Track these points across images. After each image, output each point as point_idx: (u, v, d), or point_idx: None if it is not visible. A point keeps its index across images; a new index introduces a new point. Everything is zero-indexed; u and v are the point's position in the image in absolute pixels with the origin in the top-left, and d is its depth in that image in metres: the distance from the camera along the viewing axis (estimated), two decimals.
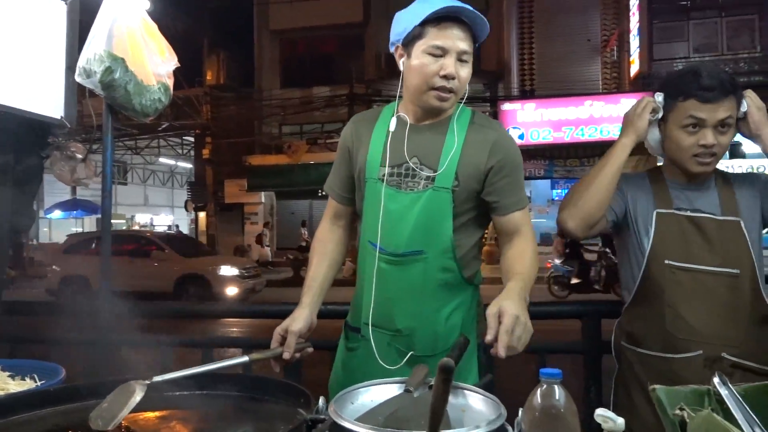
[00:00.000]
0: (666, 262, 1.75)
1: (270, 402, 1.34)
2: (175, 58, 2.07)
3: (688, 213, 1.78)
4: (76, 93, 2.17)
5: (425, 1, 1.64)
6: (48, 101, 2.10)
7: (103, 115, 2.05)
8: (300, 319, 1.71)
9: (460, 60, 1.64)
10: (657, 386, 0.80)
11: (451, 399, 1.05)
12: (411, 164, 1.70)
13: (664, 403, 0.78)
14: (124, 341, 2.35)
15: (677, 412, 0.75)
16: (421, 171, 1.69)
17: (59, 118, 2.11)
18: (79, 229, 29.53)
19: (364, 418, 1.10)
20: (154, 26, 2.04)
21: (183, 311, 2.66)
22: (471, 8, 1.61)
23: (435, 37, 1.62)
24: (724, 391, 0.87)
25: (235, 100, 21.34)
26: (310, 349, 1.74)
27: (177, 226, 33.49)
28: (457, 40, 1.62)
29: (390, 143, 1.74)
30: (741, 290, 1.71)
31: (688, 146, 1.75)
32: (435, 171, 1.67)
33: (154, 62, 1.98)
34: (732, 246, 1.73)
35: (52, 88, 2.12)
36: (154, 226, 36.81)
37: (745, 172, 2.03)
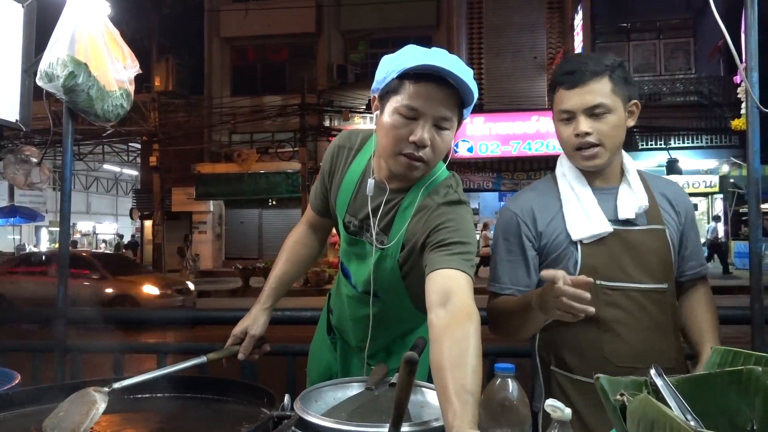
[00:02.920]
0: (599, 283, 1.56)
1: (233, 403, 1.37)
2: (137, 65, 2.08)
3: (608, 227, 1.60)
4: (31, 96, 2.15)
5: (410, 51, 1.45)
6: (3, 104, 2.07)
7: (63, 119, 2.04)
8: (260, 324, 1.74)
9: (437, 126, 1.42)
10: (600, 375, 0.88)
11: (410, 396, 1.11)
12: (371, 222, 1.59)
13: (607, 390, 0.86)
14: (78, 347, 2.33)
15: (618, 397, 0.84)
16: (376, 233, 1.60)
17: (14, 121, 2.09)
18: (17, 237, 28.38)
19: (329, 415, 1.15)
20: (116, 32, 2.04)
21: (135, 318, 2.64)
22: (459, 70, 1.39)
23: (410, 96, 1.40)
24: (659, 382, 0.96)
25: (184, 107, 20.98)
26: (268, 347, 1.77)
27: (121, 236, 32.57)
28: (435, 103, 1.40)
29: (357, 193, 1.64)
30: (667, 305, 1.64)
31: (567, 138, 1.63)
32: (386, 240, 1.58)
33: (115, 68, 1.98)
34: (659, 258, 1.62)
35: (7, 90, 2.09)
36: (97, 234, 35.73)
37: (663, 177, 1.86)
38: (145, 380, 1.36)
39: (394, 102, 1.42)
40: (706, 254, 16.21)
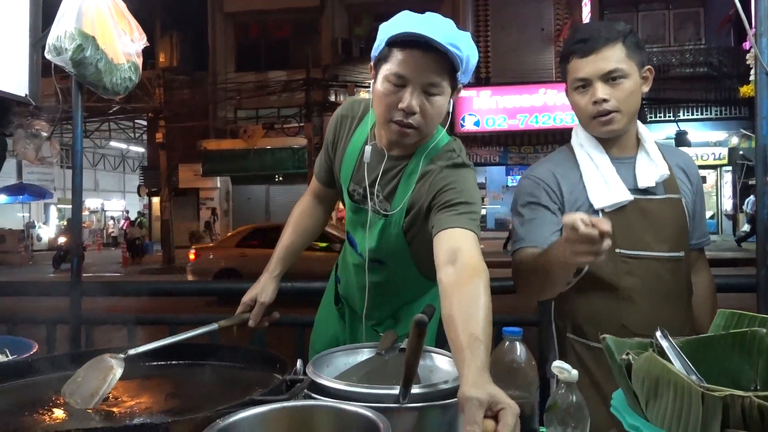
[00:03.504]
0: (617, 251, 1.59)
1: (246, 369, 1.40)
2: (144, 38, 2.08)
3: (628, 196, 1.61)
4: (40, 71, 2.16)
5: (401, 17, 1.47)
6: (11, 78, 2.08)
7: (72, 92, 2.05)
8: (269, 291, 1.77)
9: (426, 92, 1.43)
10: (606, 335, 0.90)
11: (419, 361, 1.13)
12: (375, 190, 1.62)
13: (613, 350, 0.88)
14: (92, 320, 2.37)
15: (624, 357, 0.86)
16: (380, 200, 1.63)
17: (23, 95, 2.10)
18: (26, 215, 28.56)
19: (340, 379, 1.18)
20: (123, 5, 2.04)
21: (145, 289, 2.68)
22: (447, 35, 1.38)
23: (398, 64, 1.41)
24: (664, 343, 0.98)
25: (188, 84, 20.92)
26: (277, 315, 1.80)
27: (127, 212, 32.73)
28: (422, 69, 1.41)
29: (360, 161, 1.66)
30: (682, 273, 1.66)
31: (583, 107, 1.63)
32: (389, 207, 1.60)
33: (123, 41, 1.98)
34: (675, 227, 1.64)
35: (15, 65, 2.10)
36: (105, 211, 35.92)
37: (676, 148, 1.87)
38: (159, 347, 1.39)
39: (385, 70, 1.44)
40: (748, 229, 15.86)
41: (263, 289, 1.77)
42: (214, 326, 1.58)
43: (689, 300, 1.71)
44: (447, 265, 1.31)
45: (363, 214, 1.67)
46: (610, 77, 1.57)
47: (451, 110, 1.55)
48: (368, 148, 1.60)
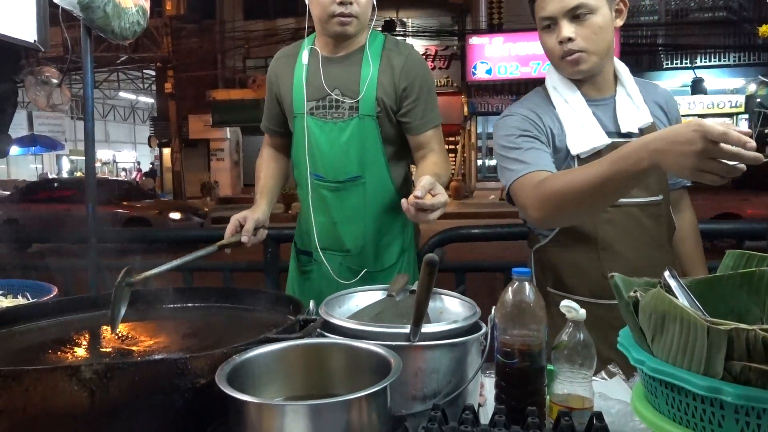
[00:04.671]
0: None
1: (260, 311, 1.43)
2: None
3: (606, 140, 1.54)
4: (47, 16, 2.14)
5: None
6: (20, 24, 2.07)
7: (81, 37, 2.04)
8: (258, 211, 1.82)
9: None
10: (615, 273, 0.91)
11: (429, 302, 1.15)
12: (333, 95, 1.77)
13: (621, 288, 0.89)
14: (106, 266, 2.42)
15: (631, 294, 0.87)
16: (344, 101, 1.76)
17: (32, 41, 2.09)
18: (39, 166, 28.74)
19: (352, 318, 1.21)
20: None
21: (158, 237, 2.72)
22: None
23: None
24: (672, 282, 0.98)
25: (196, 32, 20.64)
26: (266, 232, 1.86)
27: (138, 163, 32.84)
28: None
29: (309, 77, 1.80)
30: (663, 217, 1.61)
31: (551, 48, 1.56)
32: (357, 99, 1.74)
33: None
34: None
35: (23, 11, 2.08)
36: (117, 162, 36.07)
37: (651, 83, 1.75)
38: (168, 269, 1.44)
39: None
40: None
41: (253, 209, 1.83)
42: (213, 248, 1.64)
43: (670, 241, 1.67)
44: (422, 157, 1.82)
45: (329, 128, 1.76)
46: (576, 14, 1.48)
47: (375, 2, 1.79)
48: (305, 53, 1.82)
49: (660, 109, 1.66)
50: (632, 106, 1.58)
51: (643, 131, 1.56)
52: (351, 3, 1.68)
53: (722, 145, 1.04)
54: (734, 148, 1.03)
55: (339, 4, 1.67)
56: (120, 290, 1.28)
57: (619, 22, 1.57)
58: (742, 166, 1.05)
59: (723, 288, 1.00)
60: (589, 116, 1.56)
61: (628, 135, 1.56)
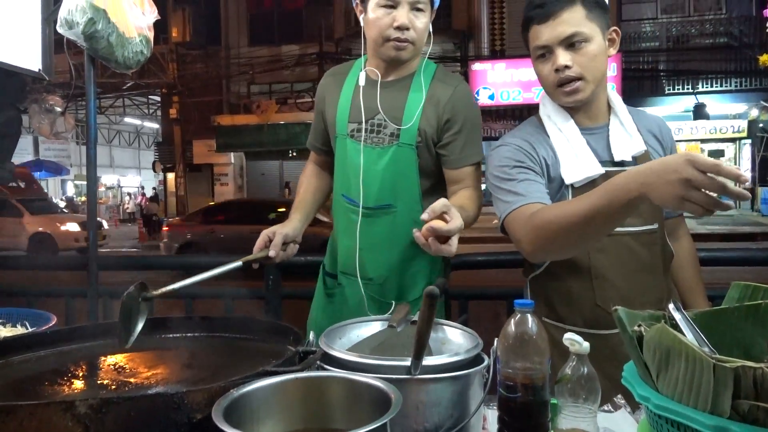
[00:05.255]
0: None
1: (259, 341, 1.41)
2: (155, 11, 2.08)
3: (599, 169, 1.53)
4: (53, 45, 2.16)
5: None
6: (25, 53, 2.09)
7: (85, 66, 2.05)
8: (289, 226, 1.80)
9: (415, 9, 1.67)
10: (618, 307, 0.90)
11: (431, 333, 1.14)
12: (377, 120, 1.75)
13: (625, 322, 0.88)
14: (108, 291, 2.41)
15: (636, 328, 0.85)
16: (386, 127, 1.74)
17: (37, 70, 2.11)
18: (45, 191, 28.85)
19: (352, 350, 1.19)
20: None
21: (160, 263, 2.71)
22: None
23: None
24: (677, 315, 0.97)
25: (202, 58, 20.88)
26: (296, 247, 1.83)
27: (143, 188, 32.97)
28: None
29: (357, 99, 1.78)
30: (657, 245, 1.60)
31: (546, 76, 1.56)
32: (399, 126, 1.72)
33: (134, 14, 1.98)
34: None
35: (28, 40, 2.10)
36: (121, 187, 36.20)
37: (646, 112, 1.75)
38: (182, 286, 1.43)
39: (372, 1, 1.67)
40: None
41: (284, 224, 1.81)
42: (238, 263, 1.60)
43: (666, 271, 1.65)
44: (454, 192, 1.76)
45: (368, 153, 1.74)
46: (571, 42, 1.50)
47: (431, 31, 1.77)
48: (362, 74, 1.78)
49: (654, 138, 1.66)
50: (625, 135, 1.58)
51: (636, 159, 1.56)
52: (408, 29, 1.67)
53: (709, 175, 1.05)
54: (720, 179, 1.04)
55: (396, 28, 1.66)
56: (130, 304, 1.27)
57: (612, 51, 1.58)
58: (730, 202, 1.05)
59: (728, 320, 0.99)
60: (583, 145, 1.56)
61: (622, 164, 1.56)
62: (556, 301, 1.63)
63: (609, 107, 1.64)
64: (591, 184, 1.51)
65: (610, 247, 1.54)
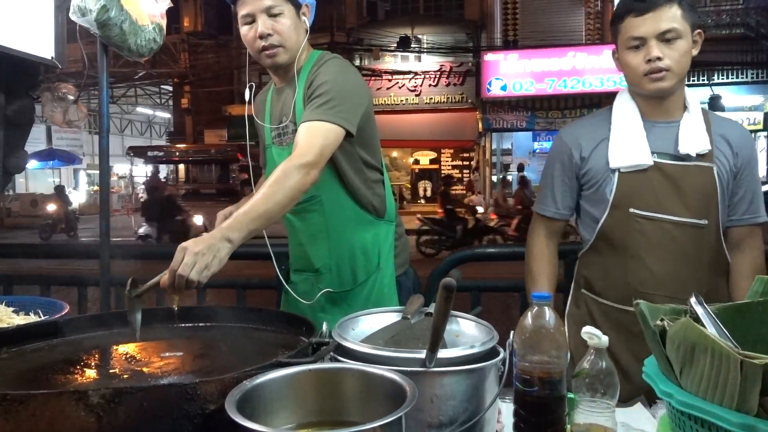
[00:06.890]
0: (631, 210, 1.66)
1: (273, 332, 1.40)
2: None
3: (656, 159, 1.65)
4: (65, 33, 2.16)
5: None
6: (38, 41, 2.09)
7: (98, 54, 2.05)
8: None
9: (270, 15, 1.70)
10: (641, 301, 0.88)
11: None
12: (282, 124, 1.81)
13: (647, 316, 0.86)
14: (121, 280, 2.41)
15: (658, 322, 0.83)
16: (288, 127, 1.79)
17: (50, 58, 2.10)
18: (57, 180, 29.05)
19: (366, 342, 1.18)
20: None
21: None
22: None
23: (240, 5, 1.71)
24: (699, 310, 0.95)
25: (213, 48, 20.88)
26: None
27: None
28: (255, 0, 1.68)
29: (268, 109, 1.88)
30: (705, 241, 1.66)
31: (636, 65, 1.65)
32: (296, 123, 1.73)
33: (147, 2, 1.97)
34: (702, 195, 1.64)
35: (41, 28, 2.10)
36: (133, 176, 36.34)
37: (730, 120, 1.81)
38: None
39: (238, 17, 1.74)
40: None
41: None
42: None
43: (714, 269, 1.70)
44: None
45: (285, 153, 1.75)
46: (666, 37, 1.61)
47: (309, 25, 1.81)
48: (273, 83, 1.87)
49: (725, 142, 1.71)
50: (695, 132, 1.67)
51: (700, 156, 1.65)
52: (270, 35, 1.70)
53: None
54: None
55: (259, 38, 1.71)
56: (130, 300, 1.30)
57: (695, 51, 1.68)
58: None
59: (751, 315, 0.97)
60: (641, 138, 1.68)
61: (685, 158, 1.65)
62: (595, 275, 1.79)
63: (684, 106, 1.72)
64: (640, 172, 1.66)
65: (651, 231, 1.66)
